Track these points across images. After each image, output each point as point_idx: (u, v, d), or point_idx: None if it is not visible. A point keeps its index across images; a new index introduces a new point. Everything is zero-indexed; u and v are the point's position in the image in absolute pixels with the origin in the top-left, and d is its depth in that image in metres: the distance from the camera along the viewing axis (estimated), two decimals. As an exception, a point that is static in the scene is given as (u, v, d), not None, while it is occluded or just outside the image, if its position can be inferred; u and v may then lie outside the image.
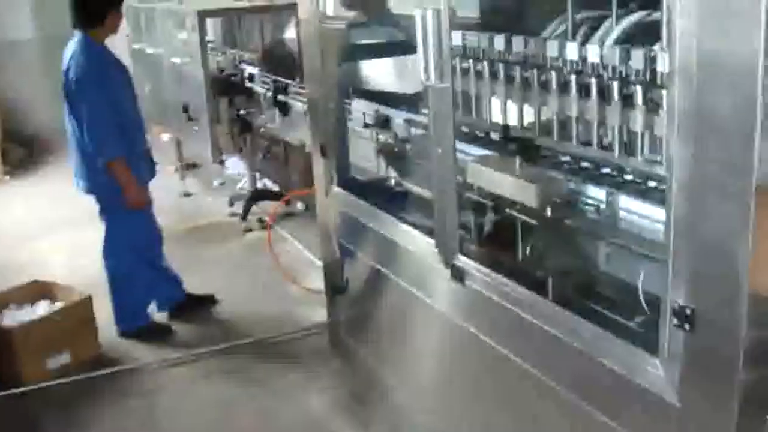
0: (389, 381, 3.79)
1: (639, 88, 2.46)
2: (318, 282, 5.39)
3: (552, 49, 2.73)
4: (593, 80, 2.61)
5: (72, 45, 4.79)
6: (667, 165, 1.97)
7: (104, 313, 5.06)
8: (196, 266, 6.03)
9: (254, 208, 7.24)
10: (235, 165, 8.03)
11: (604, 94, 2.58)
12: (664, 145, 2.39)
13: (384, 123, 4.17)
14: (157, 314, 5.35)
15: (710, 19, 1.77)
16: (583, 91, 2.64)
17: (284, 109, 5.93)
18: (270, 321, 5.20)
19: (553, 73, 2.74)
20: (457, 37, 2.80)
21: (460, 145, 3.03)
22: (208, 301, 5.54)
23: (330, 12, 4.00)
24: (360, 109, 4.26)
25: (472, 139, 3.31)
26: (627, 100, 2.51)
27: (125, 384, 4.66)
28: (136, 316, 5.17)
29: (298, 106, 5.72)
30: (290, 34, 6.76)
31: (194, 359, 4.83)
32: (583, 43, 2.76)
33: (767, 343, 1.90)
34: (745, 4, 1.68)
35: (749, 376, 1.89)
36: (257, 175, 7.61)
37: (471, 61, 3.06)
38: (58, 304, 4.93)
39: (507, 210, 3.01)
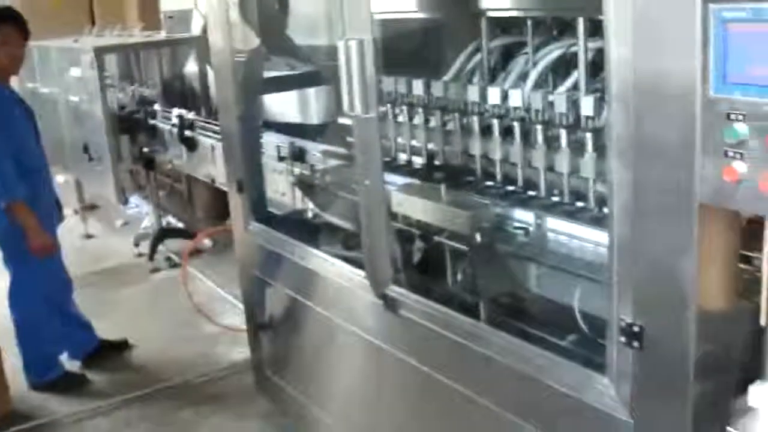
0: (322, 418, 3.72)
1: (563, 131, 2.53)
2: (234, 319, 5.33)
3: (473, 94, 2.78)
4: (516, 124, 2.68)
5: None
6: (607, 187, 1.98)
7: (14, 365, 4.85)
8: (105, 310, 5.85)
9: (160, 247, 7.09)
10: (138, 204, 7.86)
11: (527, 137, 2.65)
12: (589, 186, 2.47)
13: (299, 155, 4.14)
14: (70, 363, 5.14)
15: (645, 44, 1.80)
16: (505, 132, 2.71)
17: (191, 144, 5.83)
18: (188, 363, 5.07)
19: (475, 118, 2.81)
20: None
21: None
22: (122, 346, 5.37)
23: (239, 44, 3.94)
24: (274, 142, 4.22)
25: (391, 167, 3.30)
26: (551, 142, 2.58)
27: (41, 439, 4.47)
28: (48, 367, 4.95)
29: (206, 141, 5.63)
30: (190, 68, 6.68)
31: (112, 408, 4.66)
32: (492, 79, 2.84)
33: (717, 356, 1.93)
34: (679, 29, 1.71)
35: (701, 389, 1.91)
36: (161, 213, 7.46)
37: (389, 105, 3.12)
38: (-36, 359, 4.70)
39: (435, 237, 3.01)
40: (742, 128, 1.64)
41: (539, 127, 2.61)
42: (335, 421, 3.63)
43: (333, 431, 3.65)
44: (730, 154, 1.67)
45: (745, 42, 1.62)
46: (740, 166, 1.66)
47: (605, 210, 2.05)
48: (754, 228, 1.94)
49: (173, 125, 6.01)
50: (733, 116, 1.66)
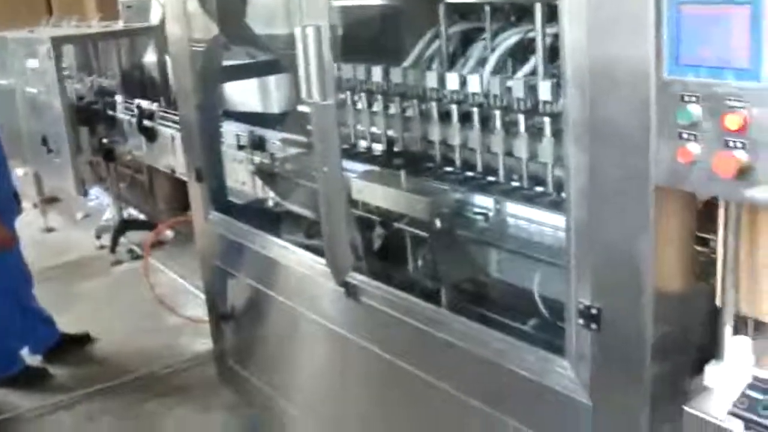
0: (286, 407, 3.71)
1: (521, 117, 2.53)
2: (197, 310, 5.29)
3: (431, 80, 2.77)
4: (475, 109, 2.68)
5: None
6: (564, 171, 1.99)
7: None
8: (67, 304, 5.78)
9: (122, 239, 7.03)
10: (98, 196, 7.78)
11: (486, 122, 2.65)
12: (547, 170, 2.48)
13: (259, 144, 4.12)
14: (31, 358, 5.07)
15: (600, 28, 1.80)
16: (464, 118, 2.71)
17: (150, 135, 5.77)
18: (151, 355, 5.02)
19: (434, 104, 2.80)
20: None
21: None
22: (84, 339, 5.30)
23: (198, 34, 3.91)
24: (233, 131, 4.20)
25: (351, 154, 3.29)
26: (510, 127, 2.58)
27: (3, 435, 4.42)
28: (9, 362, 4.88)
29: (165, 131, 5.58)
30: (149, 57, 6.61)
31: (75, 403, 4.60)
32: (451, 65, 2.83)
33: (673, 337, 1.95)
34: (633, 12, 1.72)
35: (658, 370, 1.93)
36: (122, 204, 7.39)
37: (348, 92, 3.11)
38: None
39: (395, 224, 3.01)
40: (695, 110, 1.65)
41: (498, 113, 2.61)
42: (300, 409, 3.62)
43: (298, 420, 3.65)
44: (684, 135, 1.68)
45: (697, 24, 1.63)
46: (694, 148, 1.67)
47: (564, 194, 2.05)
48: (710, 210, 1.96)
49: (132, 115, 5.95)
50: (686, 98, 1.67)
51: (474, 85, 2.65)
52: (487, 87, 2.62)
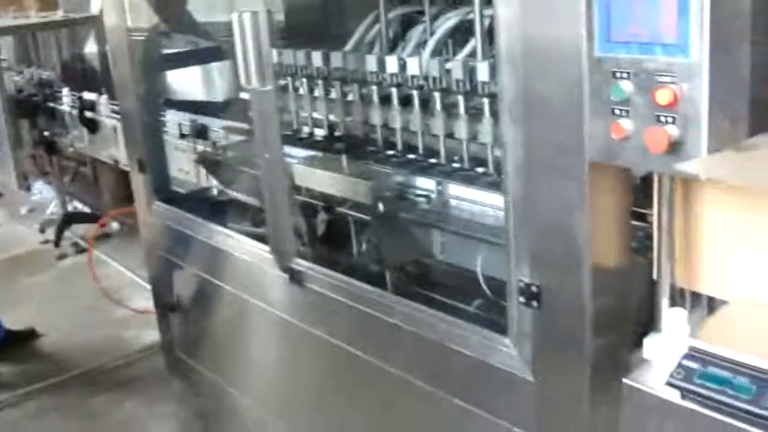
0: (235, 395, 3.70)
1: (461, 98, 2.53)
2: (144, 302, 5.24)
3: (371, 63, 2.76)
4: (414, 92, 2.67)
5: None
6: (501, 150, 2.00)
7: None
8: (11, 300, 5.68)
9: (67, 233, 6.93)
10: (42, 190, 7.66)
11: (426, 104, 2.65)
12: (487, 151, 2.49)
13: (201, 132, 4.08)
14: (-25, 356, 5.00)
15: (532, 6, 1.81)
16: (406, 101, 2.70)
17: (92, 126, 5.69)
18: (99, 348, 4.98)
19: (374, 88, 2.79)
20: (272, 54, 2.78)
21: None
22: (30, 335, 5.25)
23: (135, 23, 3.85)
24: (175, 120, 4.16)
25: (293, 140, 3.27)
26: (450, 109, 2.58)
27: (-52, 435, 4.35)
28: (-48, 360, 4.82)
29: (108, 122, 5.51)
30: (90, 48, 6.51)
31: (22, 399, 4.56)
32: (392, 49, 2.82)
33: (612, 312, 1.97)
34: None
35: (598, 344, 1.95)
36: (67, 198, 7.29)
37: (289, 78, 3.09)
38: None
39: (338, 209, 3.01)
40: (627, 86, 1.67)
41: (437, 95, 2.61)
42: (251, 398, 3.61)
43: (249, 409, 3.63)
44: (617, 111, 1.70)
45: (626, 1, 1.64)
46: (627, 124, 1.68)
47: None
48: (646, 185, 1.99)
49: (73, 107, 5.86)
50: (618, 75, 1.68)
51: (413, 67, 2.64)
52: (427, 69, 2.62)
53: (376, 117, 2.85)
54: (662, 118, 1.63)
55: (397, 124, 2.78)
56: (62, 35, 6.82)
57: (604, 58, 1.70)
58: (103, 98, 5.66)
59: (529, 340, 2.09)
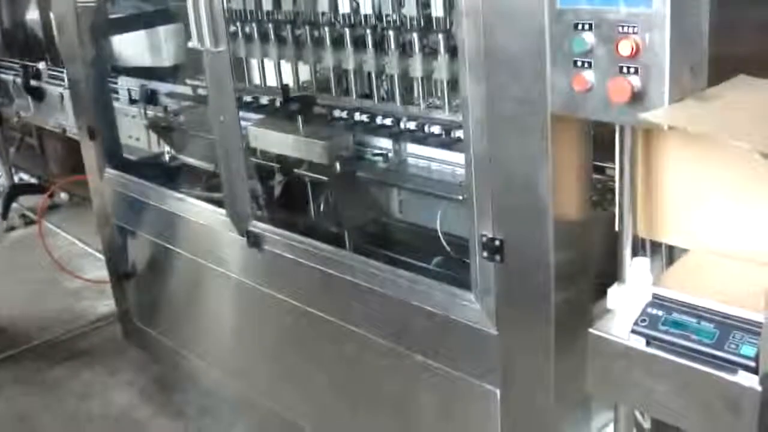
0: (194, 361, 3.68)
1: (415, 36, 2.51)
2: (97, 272, 5.18)
3: (323, 4, 2.72)
4: (368, 31, 2.64)
5: None
6: (462, 104, 1.99)
7: None
8: (-40, 275, 5.59)
9: (15, 204, 6.80)
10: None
11: (380, 45, 2.61)
12: (444, 88, 2.47)
13: (151, 98, 4.02)
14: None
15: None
16: (359, 42, 2.66)
17: (38, 95, 5.57)
18: (53, 320, 4.90)
19: (326, 29, 2.75)
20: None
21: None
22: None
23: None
24: (125, 86, 4.09)
25: (248, 105, 3.23)
26: (404, 49, 2.56)
27: None
28: None
29: (54, 90, 5.39)
30: (32, 15, 6.37)
31: (-23, 374, 4.48)
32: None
33: (574, 264, 1.99)
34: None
35: (562, 296, 1.97)
36: (12, 169, 7.14)
37: (238, 24, 3.02)
38: None
39: (295, 170, 2.99)
40: (589, 37, 1.67)
41: (392, 33, 2.57)
42: (210, 363, 3.59)
43: (209, 374, 3.62)
44: (579, 63, 1.70)
45: (588, -49, 1.64)
46: (589, 75, 1.69)
47: (462, 132, 2.05)
48: (607, 138, 1.99)
49: (17, 75, 5.73)
50: (580, 26, 1.68)
51: (367, 6, 2.60)
52: (380, 8, 2.58)
53: (328, 58, 2.79)
54: (625, 69, 1.63)
55: (350, 66, 2.73)
56: (2, 2, 6.66)
57: (565, 10, 1.70)
58: (43, 65, 5.55)
59: (493, 294, 2.10)
